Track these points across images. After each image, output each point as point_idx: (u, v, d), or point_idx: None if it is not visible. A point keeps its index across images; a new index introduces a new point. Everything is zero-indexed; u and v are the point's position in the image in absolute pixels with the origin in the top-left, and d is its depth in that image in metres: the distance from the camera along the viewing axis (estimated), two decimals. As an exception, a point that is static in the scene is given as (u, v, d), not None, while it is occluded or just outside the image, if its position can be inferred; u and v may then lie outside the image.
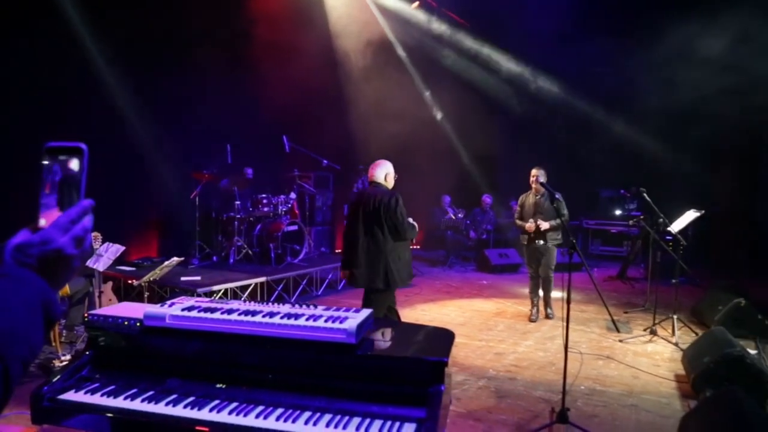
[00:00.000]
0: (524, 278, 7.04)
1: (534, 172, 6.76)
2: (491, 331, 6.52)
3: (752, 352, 5.33)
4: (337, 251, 11.46)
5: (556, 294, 7.22)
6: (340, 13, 10.23)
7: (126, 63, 7.58)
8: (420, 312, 7.40)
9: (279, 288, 7.56)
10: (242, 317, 2.14)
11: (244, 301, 2.37)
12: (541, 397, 4.55)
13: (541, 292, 7.01)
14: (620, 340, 6.17)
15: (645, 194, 6.58)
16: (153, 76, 7.85)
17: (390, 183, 4.90)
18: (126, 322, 2.27)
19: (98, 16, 7.28)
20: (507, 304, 7.89)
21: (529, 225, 6.72)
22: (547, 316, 7.09)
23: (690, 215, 6.56)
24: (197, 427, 1.93)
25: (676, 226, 6.49)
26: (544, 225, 6.66)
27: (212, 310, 2.22)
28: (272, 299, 7.15)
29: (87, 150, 0.95)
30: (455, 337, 2.20)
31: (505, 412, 4.22)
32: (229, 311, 2.20)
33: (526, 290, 7.29)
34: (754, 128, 10.76)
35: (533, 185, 6.78)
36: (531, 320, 6.95)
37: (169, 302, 2.35)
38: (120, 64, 7.56)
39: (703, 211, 6.60)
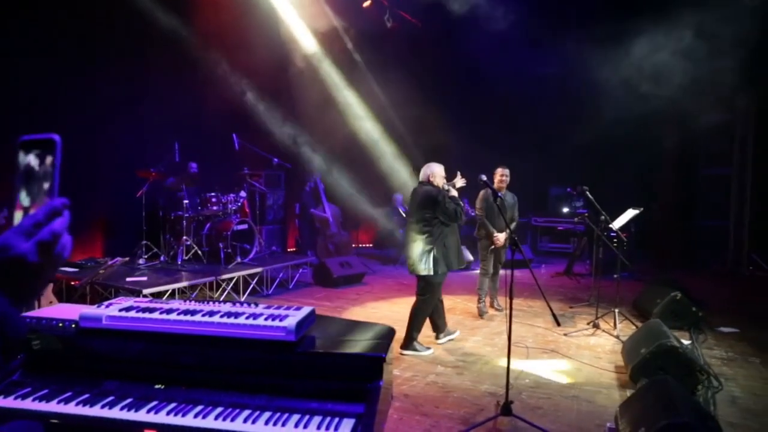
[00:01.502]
0: (474, 275, 7.16)
1: (503, 170, 7.07)
2: (441, 327, 6.61)
3: (686, 342, 5.60)
4: (289, 250, 11.41)
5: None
6: (289, 7, 10.11)
7: (67, 57, 7.34)
8: (371, 310, 7.44)
9: (228, 288, 7.47)
10: (181, 317, 2.12)
11: (188, 301, 2.35)
12: (488, 390, 4.66)
13: (486, 285, 7.18)
14: (565, 334, 6.36)
15: (588, 192, 6.80)
16: (95, 70, 7.63)
17: (437, 182, 5.55)
18: (60, 324, 2.21)
19: (36, 10, 7.02)
20: (456, 300, 8.01)
21: (496, 238, 6.90)
22: (496, 308, 7.31)
23: (629, 213, 6.83)
24: (146, 430, 1.92)
25: (617, 224, 6.74)
26: (502, 238, 6.92)
27: (151, 310, 2.19)
28: (221, 299, 7.06)
29: (60, 142, 0.86)
30: (396, 333, 2.24)
31: (452, 407, 4.31)
32: (168, 311, 2.18)
33: (475, 287, 7.39)
34: (692, 134, 11.31)
35: (500, 184, 6.98)
36: (482, 313, 7.09)
37: (106, 303, 2.30)
38: (60, 57, 7.31)
39: (642, 209, 6.89)
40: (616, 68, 10.09)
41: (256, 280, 8.01)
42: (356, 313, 7.21)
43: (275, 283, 8.46)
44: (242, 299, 7.54)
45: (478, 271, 7.32)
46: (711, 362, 5.39)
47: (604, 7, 10.23)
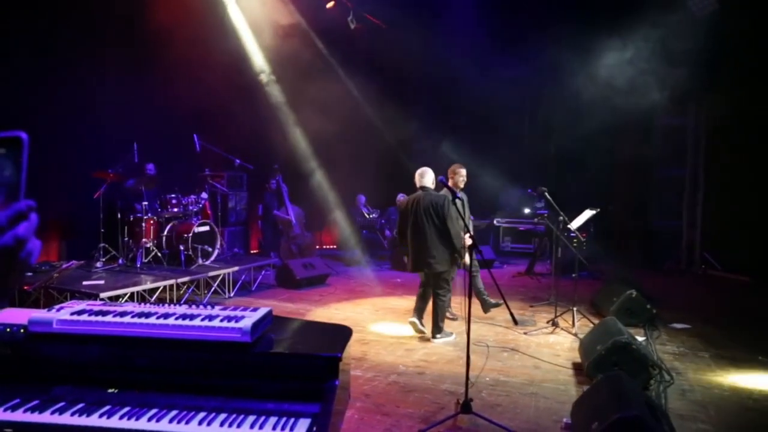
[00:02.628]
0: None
1: (464, 171, 6.67)
2: (403, 327, 6.65)
3: (640, 338, 5.76)
4: (251, 252, 11.29)
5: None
6: (249, 3, 10.00)
7: (20, 55, 7.13)
8: (334, 311, 7.44)
9: (189, 290, 7.36)
10: (135, 319, 2.09)
11: (143, 303, 2.32)
12: (448, 389, 4.71)
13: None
14: (525, 333, 6.47)
15: (546, 194, 6.93)
16: (49, 69, 7.44)
17: (434, 186, 6.14)
18: (8, 329, 2.15)
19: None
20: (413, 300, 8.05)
21: (464, 240, 6.71)
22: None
23: (587, 213, 6.99)
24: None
25: (575, 224, 6.89)
26: (467, 237, 6.83)
27: (104, 314, 2.15)
28: (182, 302, 6.95)
29: (27, 140, 0.80)
30: (353, 333, 2.26)
31: (413, 406, 4.34)
32: (122, 314, 2.14)
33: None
34: (648, 139, 11.68)
35: (460, 185, 6.59)
36: (453, 317, 7.11)
37: (57, 307, 2.25)
38: (13, 57, 7.09)
39: (598, 209, 7.06)
40: (576, 74, 10.37)
41: (217, 282, 7.91)
42: (319, 314, 7.19)
43: (237, 285, 8.37)
44: (203, 302, 7.44)
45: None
46: (663, 357, 5.57)
47: (564, 15, 10.46)
